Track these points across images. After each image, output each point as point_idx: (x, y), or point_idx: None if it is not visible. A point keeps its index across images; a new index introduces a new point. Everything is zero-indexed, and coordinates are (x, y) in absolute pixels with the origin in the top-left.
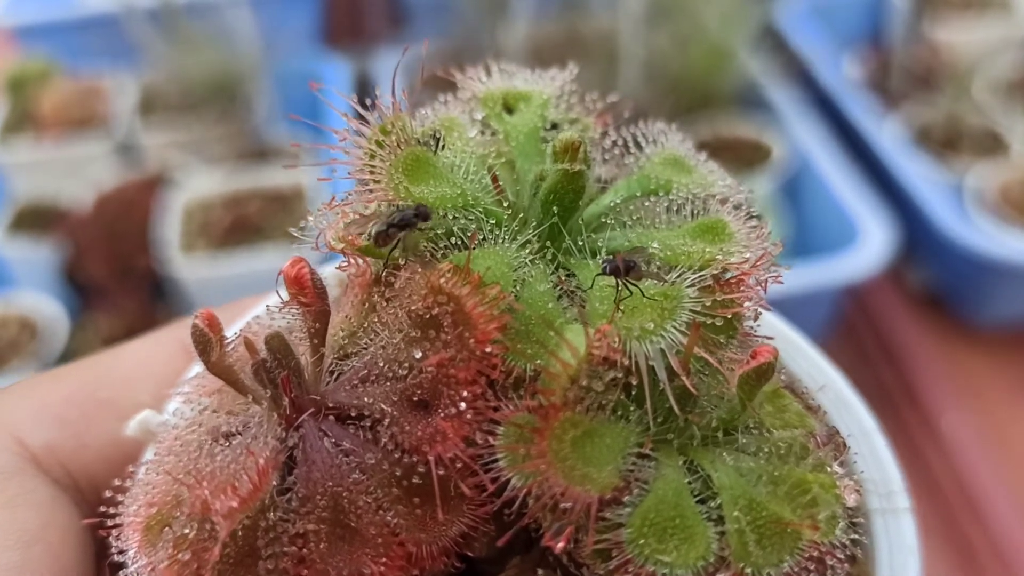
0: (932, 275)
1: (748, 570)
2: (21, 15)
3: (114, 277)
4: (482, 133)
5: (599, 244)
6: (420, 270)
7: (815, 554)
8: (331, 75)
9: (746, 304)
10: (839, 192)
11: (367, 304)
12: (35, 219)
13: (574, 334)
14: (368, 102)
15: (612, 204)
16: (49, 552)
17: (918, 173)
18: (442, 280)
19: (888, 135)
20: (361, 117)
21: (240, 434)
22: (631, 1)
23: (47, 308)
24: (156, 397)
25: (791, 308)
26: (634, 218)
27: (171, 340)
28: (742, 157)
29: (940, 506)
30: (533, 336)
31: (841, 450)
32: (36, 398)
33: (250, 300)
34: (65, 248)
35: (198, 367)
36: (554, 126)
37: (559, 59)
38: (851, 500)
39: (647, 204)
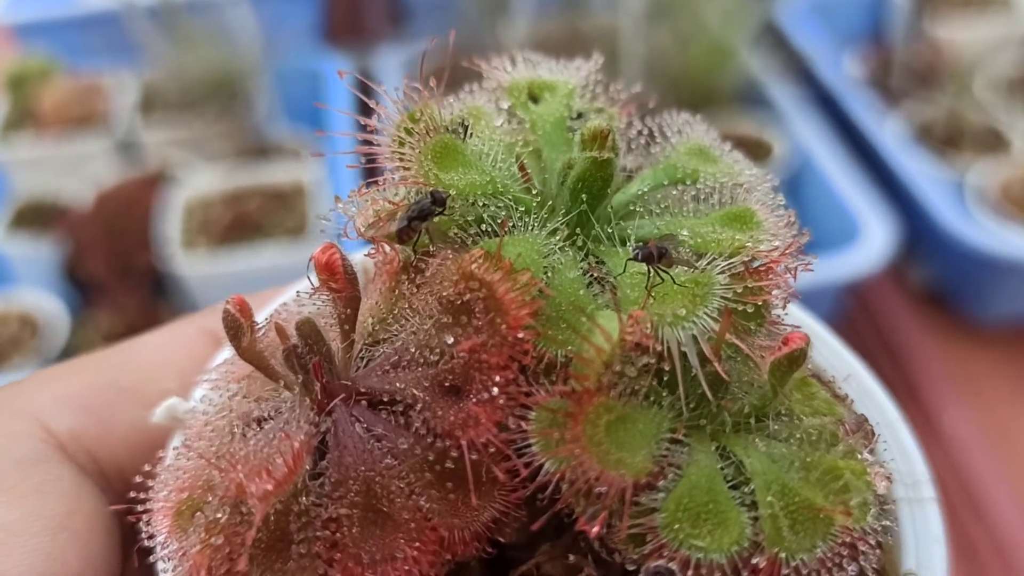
0: (933, 272)
1: (782, 555)
2: (22, 13)
3: (114, 274)
4: (508, 122)
5: (628, 232)
6: (451, 256)
7: (847, 540)
8: (331, 73)
9: (774, 292)
10: (840, 190)
11: (396, 291)
12: (36, 216)
13: (607, 319)
14: (387, 93)
15: (640, 192)
16: (75, 539)
17: (919, 170)
18: (474, 266)
19: (889, 132)
20: (368, 109)
21: (271, 419)
22: None
23: (48, 305)
24: (180, 385)
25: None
26: (662, 206)
27: (194, 329)
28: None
29: (941, 503)
30: (564, 322)
31: (870, 438)
32: (60, 386)
33: (276, 291)
34: (66, 245)
35: (224, 354)
36: (579, 115)
37: (560, 57)
38: (881, 487)
39: (674, 193)
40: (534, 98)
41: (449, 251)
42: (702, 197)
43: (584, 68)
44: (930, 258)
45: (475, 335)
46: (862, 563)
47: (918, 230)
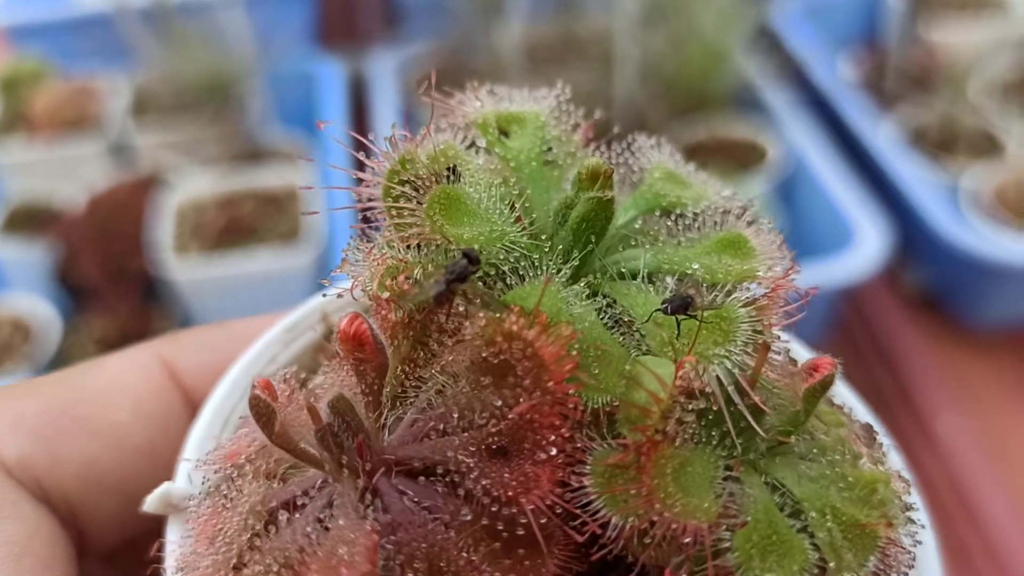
0: (927, 277)
1: (848, 575)
2: (14, 15)
3: (107, 279)
4: (485, 160)
5: (631, 264)
6: (481, 315)
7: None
8: (325, 76)
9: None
10: (834, 194)
11: (419, 350)
12: (28, 220)
13: (659, 365)
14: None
15: (629, 223)
16: (38, 563)
17: (913, 175)
18: (511, 325)
19: (883, 136)
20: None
21: (306, 502)
22: (626, 2)
23: (40, 310)
24: (134, 414)
25: None
26: (652, 235)
27: (148, 356)
28: (738, 158)
29: (935, 508)
30: (604, 370)
31: (878, 444)
32: (11, 410)
33: (244, 323)
34: (58, 249)
35: (204, 421)
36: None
37: (554, 60)
38: (904, 492)
39: (659, 219)
40: (504, 132)
41: (475, 308)
42: (693, 224)
43: (550, 96)
44: (924, 263)
45: (525, 395)
46: (896, 566)
47: (912, 234)
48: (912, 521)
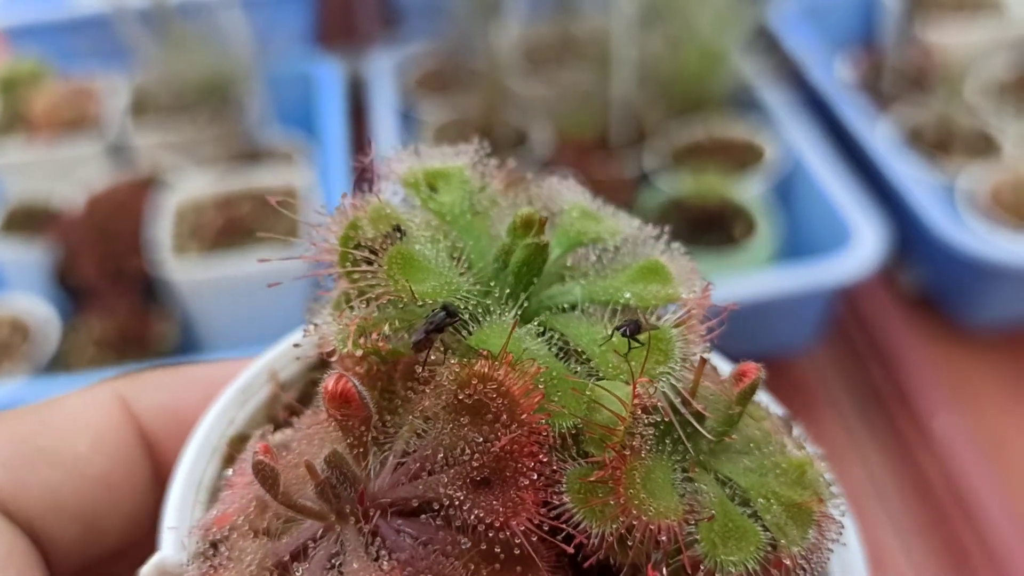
0: (924, 276)
1: (795, 549)
2: (12, 16)
3: (106, 279)
4: (420, 216)
5: (571, 298)
6: (454, 361)
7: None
8: (323, 76)
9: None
10: (831, 194)
11: (387, 398)
12: (26, 220)
13: (617, 388)
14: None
15: (558, 260)
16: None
17: (910, 175)
18: (483, 368)
19: (880, 136)
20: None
21: (311, 553)
22: (624, 3)
23: (39, 310)
24: (93, 447)
25: (783, 310)
26: (584, 272)
27: (107, 393)
28: (735, 158)
29: (932, 508)
30: (567, 397)
31: (800, 434)
32: None
33: (198, 368)
34: (56, 249)
35: (180, 485)
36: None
37: (552, 61)
38: (826, 472)
39: (580, 254)
40: (432, 187)
41: (445, 355)
42: (614, 256)
43: (468, 151)
44: (921, 262)
45: (503, 429)
46: (827, 535)
47: (909, 234)
48: (835, 496)
